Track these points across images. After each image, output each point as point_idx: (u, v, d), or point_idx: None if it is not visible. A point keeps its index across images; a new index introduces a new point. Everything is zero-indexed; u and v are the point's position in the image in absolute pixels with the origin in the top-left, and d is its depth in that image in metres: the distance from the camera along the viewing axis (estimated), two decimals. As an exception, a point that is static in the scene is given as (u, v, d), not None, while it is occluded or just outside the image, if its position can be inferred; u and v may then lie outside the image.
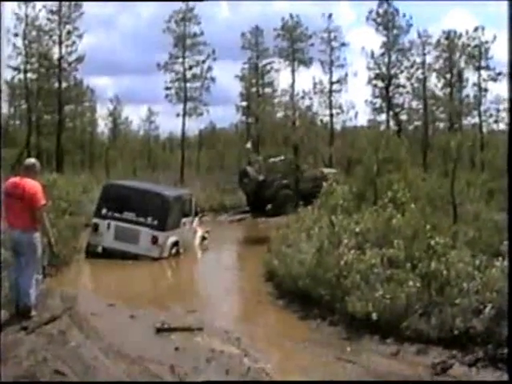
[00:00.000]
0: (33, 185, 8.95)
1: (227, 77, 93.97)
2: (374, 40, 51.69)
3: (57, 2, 45.60)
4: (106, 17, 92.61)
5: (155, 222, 16.98)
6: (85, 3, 46.31)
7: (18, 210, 8.84)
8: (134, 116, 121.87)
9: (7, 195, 8.98)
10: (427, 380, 7.70)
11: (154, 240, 16.85)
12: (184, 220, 18.78)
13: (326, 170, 31.74)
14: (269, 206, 31.64)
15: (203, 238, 21.03)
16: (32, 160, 9.58)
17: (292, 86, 46.26)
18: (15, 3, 43.74)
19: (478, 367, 7.83)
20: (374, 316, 9.32)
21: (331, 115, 47.56)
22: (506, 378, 7.41)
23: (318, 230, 13.43)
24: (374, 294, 9.68)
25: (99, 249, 17.05)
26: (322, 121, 44.37)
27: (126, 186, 18.49)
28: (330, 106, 47.41)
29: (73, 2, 45.84)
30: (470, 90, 47.73)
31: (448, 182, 14.08)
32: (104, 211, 17.30)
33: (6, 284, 9.24)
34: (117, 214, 17.17)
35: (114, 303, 10.91)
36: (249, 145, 39.70)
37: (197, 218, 20.73)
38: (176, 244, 17.73)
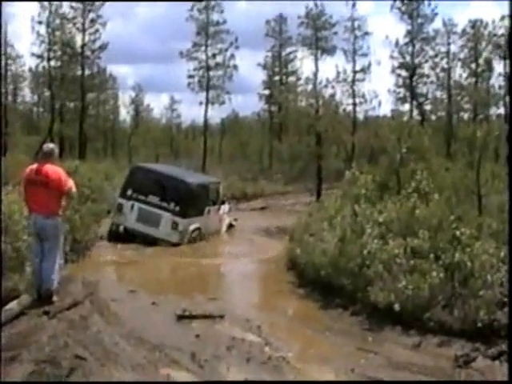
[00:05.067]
0: (55, 170, 8.93)
1: (247, 65, 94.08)
2: (393, 29, 51.20)
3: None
4: (123, 6, 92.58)
5: (177, 208, 17.21)
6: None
7: (42, 197, 8.81)
8: (154, 104, 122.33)
9: (29, 182, 8.93)
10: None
11: (174, 226, 17.10)
12: (209, 208, 18.87)
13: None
14: None
15: (230, 226, 21.12)
16: (50, 145, 9.48)
17: (315, 74, 45.94)
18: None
19: (502, 360, 7.73)
20: (397, 307, 9.26)
21: (354, 104, 47.18)
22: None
23: (341, 219, 13.34)
24: (396, 285, 9.61)
25: (121, 228, 17.36)
26: (344, 110, 44.12)
27: (152, 170, 18.64)
28: (353, 95, 46.99)
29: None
30: (495, 80, 47.31)
31: (473, 172, 13.87)
32: (129, 192, 17.61)
33: (29, 269, 9.27)
34: (141, 197, 17.47)
35: (135, 289, 10.91)
36: None
37: (226, 206, 20.91)
38: (197, 231, 17.82)
